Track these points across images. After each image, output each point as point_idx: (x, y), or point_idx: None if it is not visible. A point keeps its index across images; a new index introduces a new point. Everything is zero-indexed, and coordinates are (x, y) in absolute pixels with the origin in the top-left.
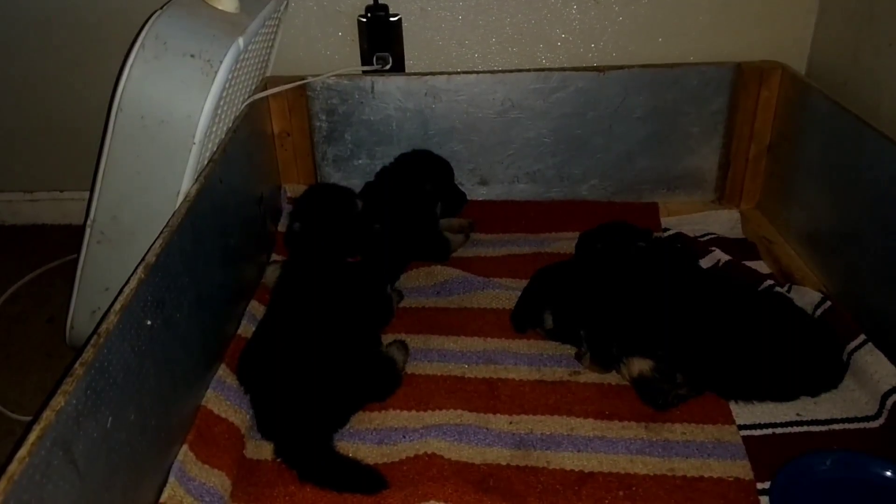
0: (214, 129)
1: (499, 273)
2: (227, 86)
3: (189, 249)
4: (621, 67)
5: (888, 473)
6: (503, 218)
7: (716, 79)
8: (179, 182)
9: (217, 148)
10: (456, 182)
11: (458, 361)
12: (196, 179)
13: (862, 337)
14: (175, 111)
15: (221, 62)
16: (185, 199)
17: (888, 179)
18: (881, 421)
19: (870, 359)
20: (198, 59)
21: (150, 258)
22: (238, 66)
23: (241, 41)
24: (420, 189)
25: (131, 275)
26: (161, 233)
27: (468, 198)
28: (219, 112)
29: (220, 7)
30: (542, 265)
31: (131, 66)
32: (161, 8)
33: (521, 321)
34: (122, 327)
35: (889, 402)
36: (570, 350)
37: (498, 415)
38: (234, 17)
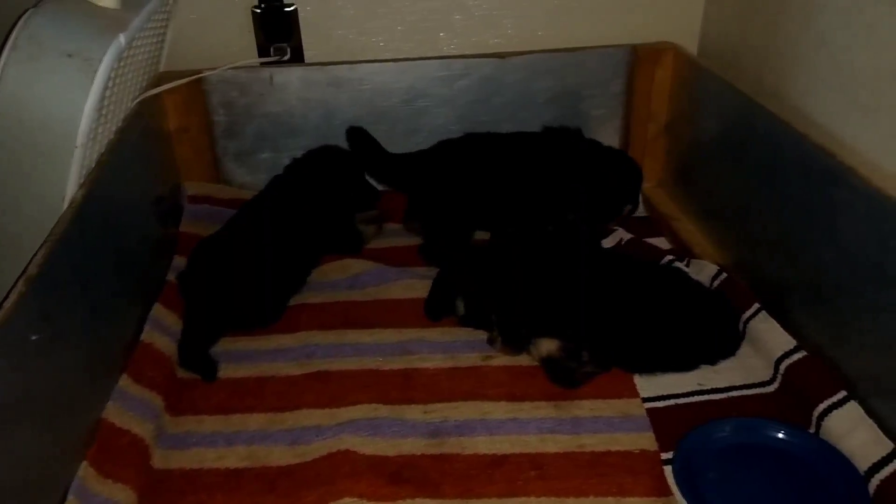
0: (101, 130)
1: (413, 262)
2: (110, 85)
3: (78, 258)
4: (522, 53)
5: (781, 435)
6: None
7: (614, 61)
8: (65, 187)
9: (105, 150)
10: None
11: (374, 354)
12: (82, 184)
13: (756, 306)
14: (55, 114)
15: (101, 61)
16: (69, 205)
17: (774, 154)
18: (776, 385)
19: (763, 326)
20: (76, 58)
21: (32, 270)
22: (122, 63)
23: (122, 38)
24: (330, 185)
25: (11, 288)
26: (44, 242)
27: (379, 188)
28: (104, 112)
29: (99, 3)
30: None
31: (4, 67)
32: (34, 5)
33: (435, 309)
34: (1, 344)
35: (782, 367)
36: (483, 335)
37: (413, 405)
38: (116, 13)
